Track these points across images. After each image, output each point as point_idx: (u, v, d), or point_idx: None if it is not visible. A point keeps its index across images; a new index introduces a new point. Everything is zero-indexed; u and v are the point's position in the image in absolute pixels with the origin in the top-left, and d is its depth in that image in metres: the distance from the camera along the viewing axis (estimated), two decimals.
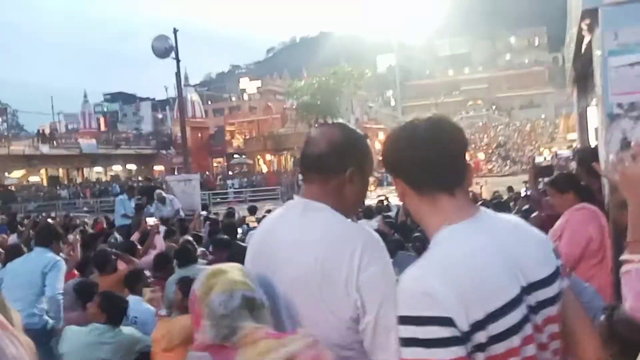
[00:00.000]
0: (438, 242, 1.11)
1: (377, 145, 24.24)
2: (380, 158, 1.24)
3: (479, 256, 1.06)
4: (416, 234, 4.50)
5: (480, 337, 1.00)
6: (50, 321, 3.94)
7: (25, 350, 0.78)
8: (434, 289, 1.00)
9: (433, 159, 1.13)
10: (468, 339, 0.99)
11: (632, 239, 1.25)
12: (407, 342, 1.02)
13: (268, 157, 38.96)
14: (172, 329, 2.91)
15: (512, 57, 64.13)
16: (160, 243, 5.47)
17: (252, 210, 9.66)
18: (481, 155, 38.92)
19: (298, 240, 1.27)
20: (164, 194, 9.60)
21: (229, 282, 1.19)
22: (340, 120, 1.48)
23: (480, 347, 1.00)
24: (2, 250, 6.24)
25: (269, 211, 9.65)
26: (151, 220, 6.02)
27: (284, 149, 37.17)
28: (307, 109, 35.81)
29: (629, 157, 1.26)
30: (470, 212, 1.14)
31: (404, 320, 1.03)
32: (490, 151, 40.25)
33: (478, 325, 1.00)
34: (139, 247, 5.40)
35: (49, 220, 9.67)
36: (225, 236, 5.41)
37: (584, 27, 3.49)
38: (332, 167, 1.32)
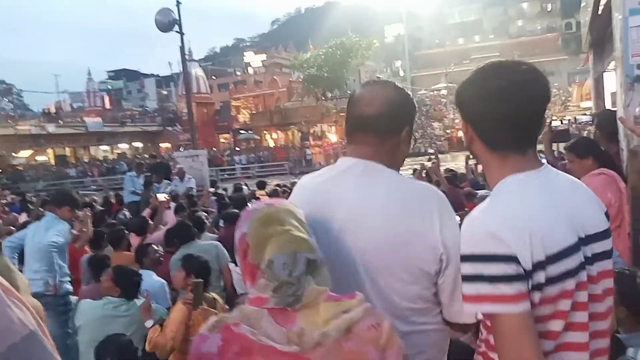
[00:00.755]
0: (501, 189, 1.13)
1: None
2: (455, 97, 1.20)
3: (540, 204, 1.09)
4: None
5: (540, 277, 1.03)
6: (70, 287, 4.04)
7: (32, 313, 0.76)
8: (499, 231, 1.03)
9: (518, 120, 1.11)
10: (530, 277, 1.03)
11: None
12: (471, 278, 1.05)
13: (275, 134, 38.73)
14: (161, 343, 2.85)
15: (524, 23, 62.54)
16: (171, 218, 5.49)
17: (261, 185, 9.67)
18: None
19: (370, 201, 1.24)
20: (184, 170, 9.67)
21: (290, 240, 1.10)
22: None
23: (538, 287, 1.04)
24: (14, 229, 6.32)
25: (278, 185, 9.68)
26: (161, 196, 6.02)
27: (290, 123, 36.88)
28: (314, 81, 35.26)
29: None
30: (534, 165, 1.15)
31: (468, 258, 1.06)
32: None
33: (539, 265, 1.03)
34: (150, 222, 5.41)
35: None
36: (236, 210, 5.41)
37: None
38: (390, 127, 1.29)
